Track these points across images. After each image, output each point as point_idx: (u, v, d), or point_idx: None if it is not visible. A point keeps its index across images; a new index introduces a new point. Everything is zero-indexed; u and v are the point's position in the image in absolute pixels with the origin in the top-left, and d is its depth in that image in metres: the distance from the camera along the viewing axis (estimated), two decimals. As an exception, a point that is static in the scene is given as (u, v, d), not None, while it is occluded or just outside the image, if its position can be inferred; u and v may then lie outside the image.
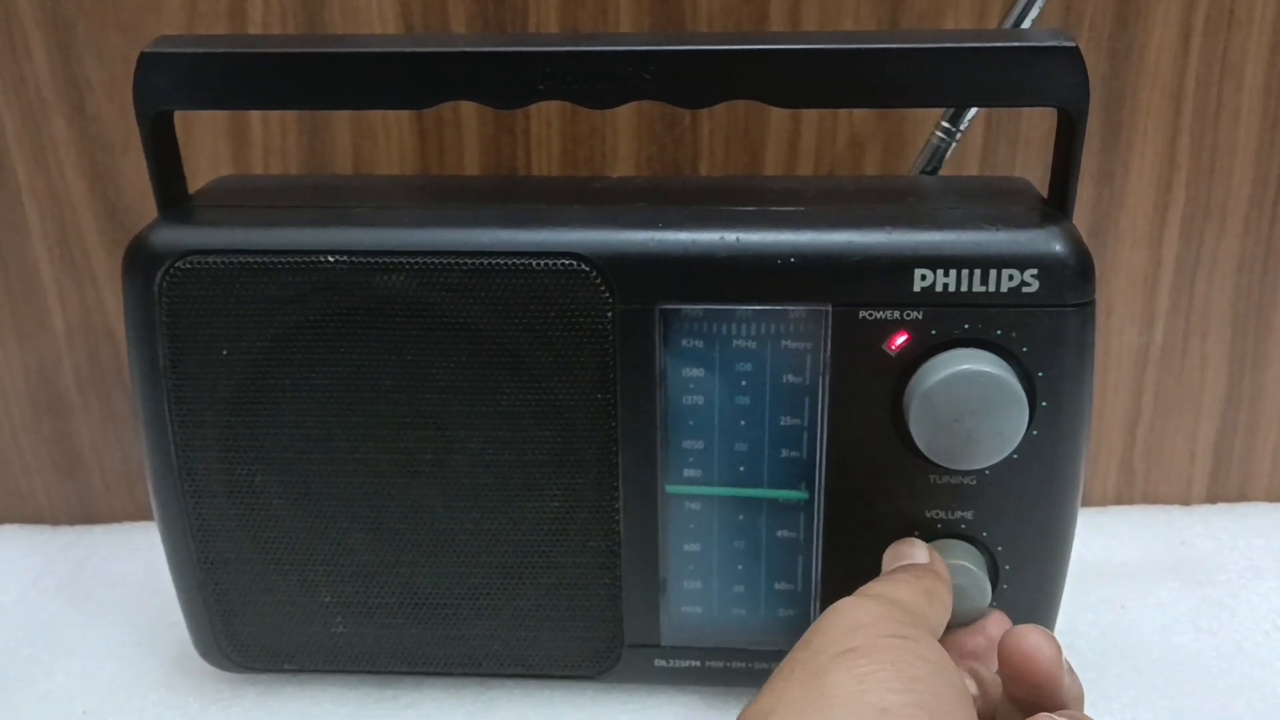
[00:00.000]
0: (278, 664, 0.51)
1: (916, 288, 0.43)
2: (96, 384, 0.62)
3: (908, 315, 0.43)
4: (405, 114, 0.57)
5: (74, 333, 0.61)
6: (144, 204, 0.58)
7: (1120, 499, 0.64)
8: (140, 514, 0.64)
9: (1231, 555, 0.60)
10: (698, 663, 0.50)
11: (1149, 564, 0.59)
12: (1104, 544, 0.61)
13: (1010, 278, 0.42)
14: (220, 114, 0.57)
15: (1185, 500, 0.64)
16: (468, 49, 0.44)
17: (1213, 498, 0.64)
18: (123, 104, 0.56)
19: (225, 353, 0.45)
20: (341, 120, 0.57)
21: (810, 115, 0.57)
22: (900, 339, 0.44)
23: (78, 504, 0.65)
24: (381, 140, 0.57)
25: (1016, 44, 0.43)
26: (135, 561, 0.61)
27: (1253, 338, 0.61)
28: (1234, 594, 0.57)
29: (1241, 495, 0.64)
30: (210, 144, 0.57)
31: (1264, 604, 0.56)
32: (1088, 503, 0.64)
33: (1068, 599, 0.48)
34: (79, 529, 0.64)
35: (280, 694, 0.52)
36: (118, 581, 0.59)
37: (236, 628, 0.50)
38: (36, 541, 0.63)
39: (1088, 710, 0.39)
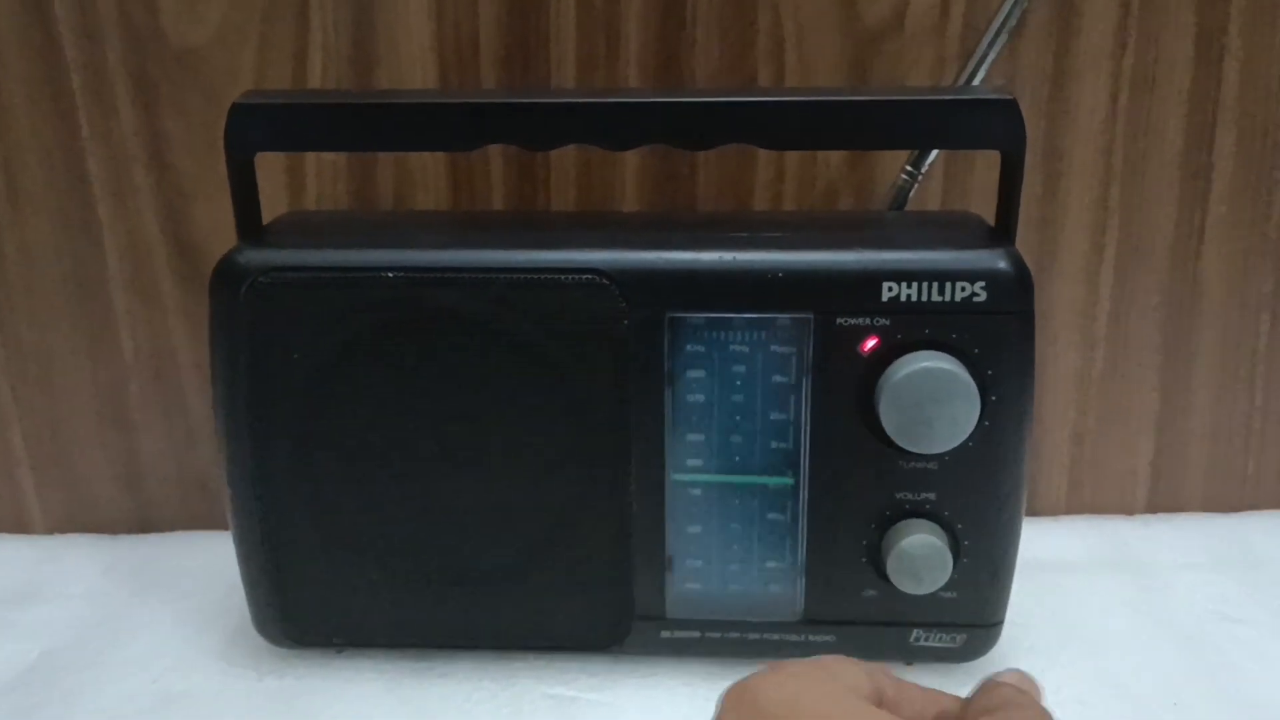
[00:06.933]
0: (326, 639, 0.58)
1: (884, 298, 0.51)
2: (157, 403, 0.69)
3: (877, 322, 0.51)
4: (441, 163, 0.65)
5: (141, 356, 0.68)
6: (210, 243, 0.66)
7: (1070, 509, 0.72)
8: (193, 523, 0.71)
9: (1168, 554, 0.67)
10: (698, 634, 0.57)
11: (1092, 561, 0.67)
12: (1055, 545, 0.68)
13: (963, 289, 0.51)
14: (279, 163, 0.65)
15: (1129, 511, 0.72)
16: (511, 100, 0.53)
17: (1152, 509, 0.72)
18: (197, 154, 0.64)
19: (297, 355, 0.53)
20: (386, 167, 0.65)
21: (791, 166, 0.65)
22: (871, 342, 0.52)
23: (136, 513, 0.72)
24: (419, 186, 0.66)
25: (966, 97, 0.52)
26: (192, 559, 0.67)
27: (1181, 364, 0.69)
28: (1167, 583, 0.64)
29: (1177, 506, 0.72)
30: (270, 189, 0.65)
31: (1193, 592, 0.63)
32: (1040, 512, 0.71)
33: (1022, 585, 0.56)
34: (137, 537, 0.71)
35: (328, 665, 0.58)
36: (178, 574, 0.66)
37: (292, 604, 0.57)
38: (100, 546, 0.70)
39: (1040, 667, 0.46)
